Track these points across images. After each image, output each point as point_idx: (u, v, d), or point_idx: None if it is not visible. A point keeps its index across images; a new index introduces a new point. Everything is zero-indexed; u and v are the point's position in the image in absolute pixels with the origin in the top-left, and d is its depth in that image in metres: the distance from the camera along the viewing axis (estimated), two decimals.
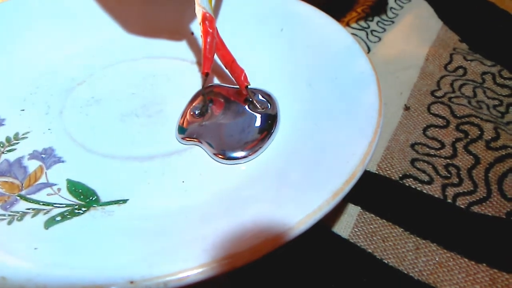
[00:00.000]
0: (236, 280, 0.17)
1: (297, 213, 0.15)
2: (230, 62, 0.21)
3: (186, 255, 0.14)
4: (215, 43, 0.21)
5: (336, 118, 0.19)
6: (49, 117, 0.22)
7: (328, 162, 0.17)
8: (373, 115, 0.18)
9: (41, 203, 0.17)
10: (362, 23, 0.31)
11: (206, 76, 0.20)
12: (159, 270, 0.13)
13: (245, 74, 0.21)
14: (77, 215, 0.17)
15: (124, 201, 0.18)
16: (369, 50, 0.29)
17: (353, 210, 0.19)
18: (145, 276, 0.13)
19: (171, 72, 0.25)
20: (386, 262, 0.17)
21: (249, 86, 0.21)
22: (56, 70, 0.25)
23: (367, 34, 0.30)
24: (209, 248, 0.14)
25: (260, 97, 0.22)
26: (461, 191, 0.20)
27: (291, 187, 0.17)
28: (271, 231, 0.14)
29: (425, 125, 0.23)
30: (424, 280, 0.17)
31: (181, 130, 0.21)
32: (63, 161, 0.19)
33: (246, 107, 0.21)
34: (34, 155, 0.20)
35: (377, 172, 0.21)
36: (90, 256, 0.15)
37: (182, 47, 0.26)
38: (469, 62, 0.27)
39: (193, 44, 0.27)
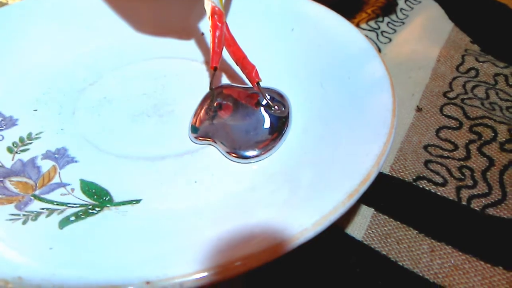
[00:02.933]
0: (248, 281, 0.17)
1: (313, 214, 0.14)
2: (241, 58, 0.21)
3: (202, 256, 0.14)
4: (225, 38, 0.21)
5: (349, 119, 0.19)
6: (61, 117, 0.22)
7: (342, 163, 0.17)
8: (387, 115, 0.18)
9: (55, 203, 0.17)
10: (372, 24, 0.31)
11: (214, 70, 0.20)
12: (174, 270, 0.13)
13: (256, 70, 0.21)
14: (91, 215, 0.17)
15: (138, 201, 0.18)
16: (379, 51, 0.28)
17: (366, 212, 0.19)
18: (160, 277, 0.13)
19: (182, 72, 0.25)
20: (401, 264, 0.17)
21: (261, 86, 0.21)
22: (68, 70, 0.25)
23: (377, 35, 0.30)
24: (224, 249, 0.14)
25: (272, 97, 0.22)
26: (475, 193, 0.19)
27: (305, 188, 0.17)
28: (287, 232, 0.14)
29: (437, 127, 0.23)
30: (439, 282, 0.17)
31: (194, 129, 0.21)
32: (76, 161, 0.19)
33: (262, 108, 0.21)
34: (47, 155, 0.20)
35: (390, 174, 0.20)
36: (105, 255, 0.15)
37: (192, 47, 0.26)
38: (481, 63, 0.27)
39: (203, 44, 0.27)
